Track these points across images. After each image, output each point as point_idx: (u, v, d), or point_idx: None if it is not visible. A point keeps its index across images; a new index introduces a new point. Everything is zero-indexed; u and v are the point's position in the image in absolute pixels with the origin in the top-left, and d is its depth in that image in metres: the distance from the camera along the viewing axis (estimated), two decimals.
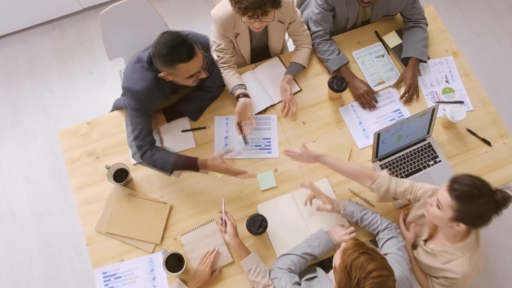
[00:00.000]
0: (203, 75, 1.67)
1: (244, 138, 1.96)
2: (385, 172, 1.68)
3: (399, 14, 2.15)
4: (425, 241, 1.62)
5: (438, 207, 1.44)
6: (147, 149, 1.73)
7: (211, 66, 1.87)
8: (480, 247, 1.53)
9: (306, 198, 1.78)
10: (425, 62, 2.07)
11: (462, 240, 1.50)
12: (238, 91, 1.94)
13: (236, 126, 1.94)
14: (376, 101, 2.02)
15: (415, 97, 2.04)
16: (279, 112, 2.03)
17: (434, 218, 1.48)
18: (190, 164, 1.75)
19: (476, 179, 1.39)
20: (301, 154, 1.76)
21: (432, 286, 1.60)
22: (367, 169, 1.68)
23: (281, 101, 2.04)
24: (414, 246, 1.69)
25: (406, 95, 2.02)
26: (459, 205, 1.38)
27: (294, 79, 2.08)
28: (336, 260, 1.30)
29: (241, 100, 1.92)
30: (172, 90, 1.85)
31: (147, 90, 1.67)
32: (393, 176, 1.88)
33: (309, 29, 2.12)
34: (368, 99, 2.00)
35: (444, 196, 1.40)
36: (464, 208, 1.38)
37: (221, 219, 1.73)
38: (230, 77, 1.99)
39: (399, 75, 2.09)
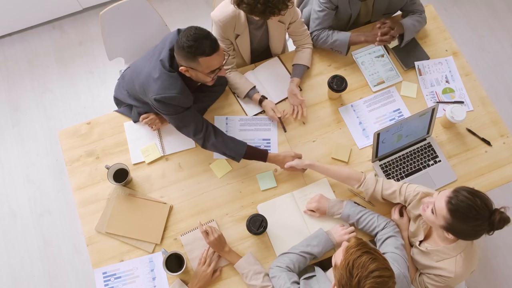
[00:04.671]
0: (223, 73, 1.68)
1: (284, 127, 2.00)
2: (371, 175, 1.72)
3: (398, 13, 2.16)
4: (420, 241, 1.63)
5: (433, 212, 1.44)
6: (209, 136, 1.79)
7: None
8: (475, 247, 1.54)
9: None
10: (402, 38, 2.05)
11: (454, 241, 1.51)
12: (256, 95, 2.00)
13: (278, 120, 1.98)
14: (389, 31, 1.95)
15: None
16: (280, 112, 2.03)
17: (427, 219, 1.49)
18: (260, 155, 1.83)
19: (477, 199, 1.36)
20: (296, 164, 1.80)
21: (423, 282, 1.61)
22: (355, 173, 1.74)
23: (282, 101, 2.05)
24: (410, 245, 1.70)
25: (385, 36, 1.96)
26: (452, 219, 1.38)
27: None
28: (337, 258, 1.31)
29: (267, 102, 1.99)
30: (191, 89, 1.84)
31: (182, 90, 1.67)
32: (393, 176, 1.89)
33: (309, 28, 2.12)
34: (385, 36, 1.95)
35: (441, 206, 1.40)
36: (456, 224, 1.39)
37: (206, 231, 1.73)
38: (240, 81, 2.02)
39: (399, 75, 2.09)
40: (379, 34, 1.94)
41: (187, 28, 1.57)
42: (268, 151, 1.85)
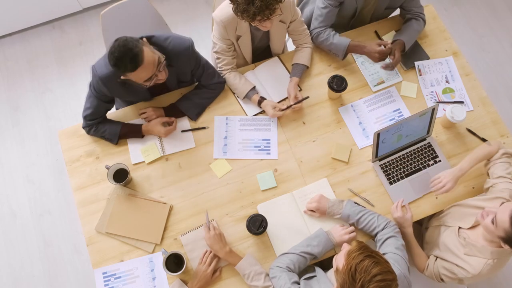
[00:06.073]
0: (162, 76, 1.69)
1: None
2: (503, 153, 1.70)
3: (399, 14, 2.15)
4: (460, 228, 1.60)
5: (493, 222, 1.41)
6: (92, 127, 1.91)
7: (197, 65, 1.89)
8: (509, 257, 1.51)
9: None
10: (404, 51, 2.05)
11: (498, 246, 1.48)
12: (255, 97, 2.00)
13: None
14: (389, 53, 1.97)
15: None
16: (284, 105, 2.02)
17: (485, 227, 1.46)
18: (135, 130, 1.93)
19: None
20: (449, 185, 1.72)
21: (438, 270, 1.59)
22: (487, 151, 1.73)
23: (282, 100, 2.05)
24: (446, 226, 1.67)
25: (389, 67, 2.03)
26: None
27: None
28: (339, 262, 1.30)
29: (266, 102, 1.99)
30: (150, 88, 1.83)
31: (105, 79, 1.73)
32: (393, 176, 1.89)
33: (309, 27, 2.12)
34: (384, 57, 1.97)
35: (503, 218, 1.38)
36: None
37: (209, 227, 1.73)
38: (239, 82, 2.01)
39: (399, 75, 2.09)
40: (378, 50, 1.94)
41: (115, 40, 1.56)
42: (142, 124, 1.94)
